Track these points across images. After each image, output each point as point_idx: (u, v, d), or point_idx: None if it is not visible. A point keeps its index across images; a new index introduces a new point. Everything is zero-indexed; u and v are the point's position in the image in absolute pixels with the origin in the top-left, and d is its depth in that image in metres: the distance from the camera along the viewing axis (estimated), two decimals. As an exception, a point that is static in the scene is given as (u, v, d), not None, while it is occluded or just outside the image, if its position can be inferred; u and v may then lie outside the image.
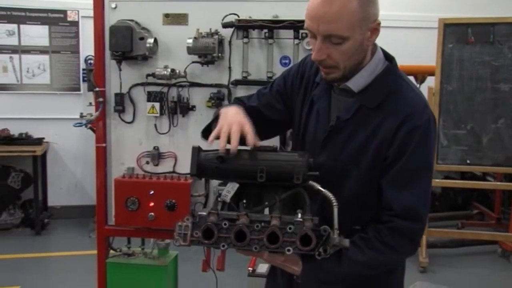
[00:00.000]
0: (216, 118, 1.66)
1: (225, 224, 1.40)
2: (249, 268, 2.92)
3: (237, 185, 1.53)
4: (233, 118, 1.58)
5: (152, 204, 2.57)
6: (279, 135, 2.39)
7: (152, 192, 2.57)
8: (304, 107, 1.70)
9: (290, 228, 1.39)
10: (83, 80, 5.93)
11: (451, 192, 6.35)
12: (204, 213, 1.43)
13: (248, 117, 1.62)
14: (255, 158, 1.51)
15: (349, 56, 1.50)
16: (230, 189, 1.53)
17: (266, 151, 1.54)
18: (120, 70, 2.66)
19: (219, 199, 1.53)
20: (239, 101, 1.82)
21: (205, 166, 1.53)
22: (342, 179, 1.58)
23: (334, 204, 1.45)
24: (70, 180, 6.17)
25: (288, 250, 1.39)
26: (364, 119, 1.56)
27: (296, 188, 1.51)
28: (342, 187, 1.57)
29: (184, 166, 2.67)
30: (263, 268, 2.91)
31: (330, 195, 1.47)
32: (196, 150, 1.55)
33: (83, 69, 5.91)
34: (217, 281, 2.78)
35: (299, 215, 1.43)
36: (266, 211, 1.49)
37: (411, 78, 5.09)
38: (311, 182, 1.51)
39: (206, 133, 1.69)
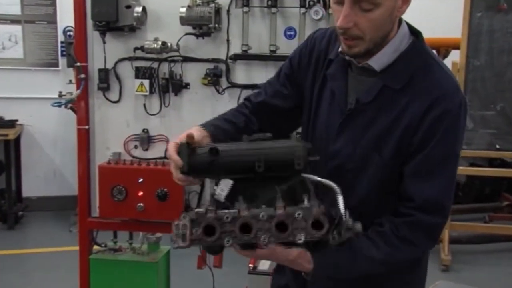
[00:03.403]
0: None
1: (227, 218, 1.43)
2: (250, 265, 2.95)
3: (231, 183, 1.57)
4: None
5: (141, 193, 2.61)
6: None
7: (141, 180, 2.61)
8: (315, 86, 1.71)
9: (298, 215, 1.42)
10: (62, 55, 5.93)
11: (478, 181, 6.35)
12: (202, 210, 1.47)
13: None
14: (251, 148, 1.56)
15: (378, 26, 1.51)
16: (223, 187, 1.56)
17: (261, 140, 1.58)
18: (104, 43, 2.69)
19: (214, 198, 1.56)
20: (246, 102, 1.85)
21: (197, 161, 1.56)
22: (363, 167, 1.60)
23: (338, 192, 1.48)
24: (47, 168, 6.20)
25: (300, 238, 1.42)
26: (387, 102, 1.57)
27: (298, 176, 1.54)
28: (362, 177, 1.60)
29: (177, 151, 2.69)
30: (264, 265, 2.94)
31: (331, 183, 1.50)
32: (185, 145, 1.57)
33: (62, 42, 5.91)
34: (214, 280, 2.83)
35: (306, 201, 1.46)
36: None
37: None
38: (306, 176, 1.54)
39: None
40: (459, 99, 1.55)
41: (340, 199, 1.47)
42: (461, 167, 5.07)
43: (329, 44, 1.70)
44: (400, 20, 1.60)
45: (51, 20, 5.96)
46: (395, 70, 1.57)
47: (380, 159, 1.58)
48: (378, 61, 1.58)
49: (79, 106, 2.76)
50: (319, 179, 1.52)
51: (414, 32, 1.63)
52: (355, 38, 1.52)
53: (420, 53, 1.60)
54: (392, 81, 1.57)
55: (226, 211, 1.47)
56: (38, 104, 5.84)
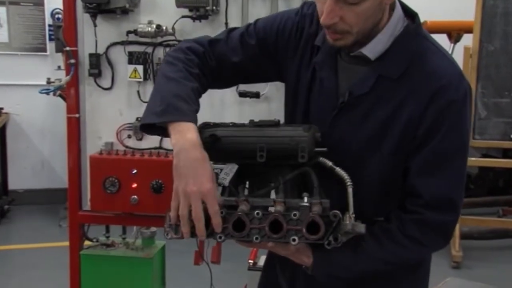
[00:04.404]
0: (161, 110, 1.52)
1: (221, 213, 1.46)
2: (250, 261, 2.97)
3: (236, 167, 1.59)
4: (191, 180, 1.45)
5: (135, 185, 2.61)
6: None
7: (135, 171, 2.61)
8: (304, 74, 1.67)
9: (294, 215, 1.44)
10: (50, 39, 5.94)
11: (491, 173, 6.37)
12: None
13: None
14: (254, 135, 1.57)
15: (366, 18, 1.47)
16: (228, 171, 1.58)
17: (266, 126, 1.59)
18: (95, 26, 2.68)
19: (217, 182, 1.57)
20: (199, 64, 1.69)
21: None
22: (360, 164, 1.58)
23: (349, 184, 1.50)
24: (35, 159, 6.23)
25: (294, 240, 1.44)
26: (384, 94, 1.54)
27: (303, 167, 1.55)
28: (361, 173, 1.57)
29: (173, 140, 2.70)
30: (265, 261, 2.96)
31: (343, 173, 1.52)
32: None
33: (50, 25, 5.92)
34: (212, 276, 2.84)
35: (306, 199, 1.47)
36: (273, 194, 1.54)
37: (443, 37, 5.09)
38: (322, 159, 1.55)
39: (145, 126, 1.58)
40: (463, 88, 1.52)
41: (350, 192, 1.49)
42: (473, 158, 5.07)
43: (317, 28, 1.64)
44: (394, 3, 1.55)
45: (38, 1, 5.96)
46: (390, 57, 1.54)
47: (379, 155, 1.56)
48: (373, 49, 1.54)
49: (69, 93, 2.76)
50: (333, 166, 1.54)
51: (410, 14, 1.59)
52: (341, 32, 1.48)
53: (415, 36, 1.56)
54: (388, 70, 1.54)
55: (226, 198, 1.50)
56: (25, 91, 5.86)
